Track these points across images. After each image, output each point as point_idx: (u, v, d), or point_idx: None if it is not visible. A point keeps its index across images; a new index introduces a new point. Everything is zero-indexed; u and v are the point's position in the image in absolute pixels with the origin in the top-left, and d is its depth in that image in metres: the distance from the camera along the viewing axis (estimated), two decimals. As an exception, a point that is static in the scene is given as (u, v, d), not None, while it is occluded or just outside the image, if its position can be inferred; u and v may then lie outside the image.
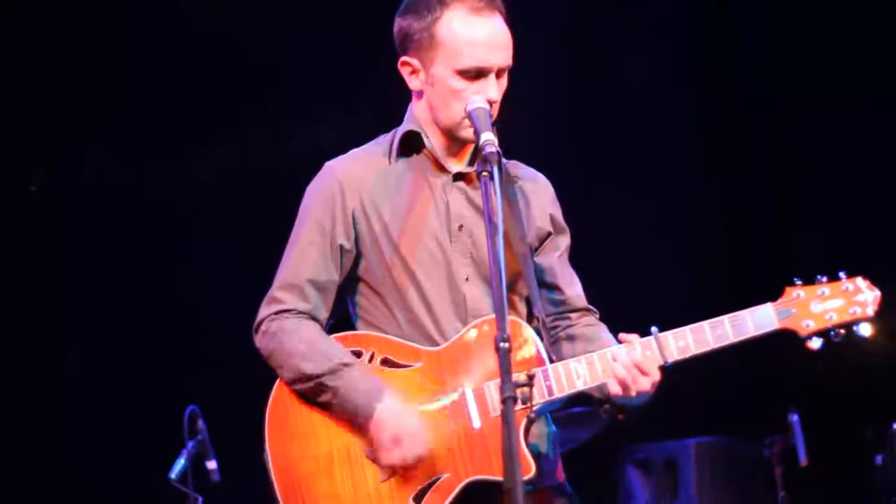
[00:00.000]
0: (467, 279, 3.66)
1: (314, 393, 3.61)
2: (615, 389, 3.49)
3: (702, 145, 7.93)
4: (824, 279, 3.53)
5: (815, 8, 7.45)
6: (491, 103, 3.58)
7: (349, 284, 3.74)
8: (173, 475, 5.96)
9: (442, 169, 3.71)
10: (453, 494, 3.51)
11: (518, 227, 3.67)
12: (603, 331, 3.73)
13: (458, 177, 3.71)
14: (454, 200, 3.69)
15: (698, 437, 7.15)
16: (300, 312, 3.68)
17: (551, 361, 3.54)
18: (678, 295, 7.20)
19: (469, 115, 3.56)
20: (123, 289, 6.94)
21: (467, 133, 3.61)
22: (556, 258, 3.80)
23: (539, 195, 3.82)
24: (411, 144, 3.73)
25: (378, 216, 3.69)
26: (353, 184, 3.71)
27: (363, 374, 3.58)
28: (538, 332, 3.60)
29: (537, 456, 3.57)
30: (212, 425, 6.11)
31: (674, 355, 3.50)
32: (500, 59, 3.60)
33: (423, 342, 3.62)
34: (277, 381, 3.68)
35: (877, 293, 3.52)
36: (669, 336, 3.51)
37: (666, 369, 3.52)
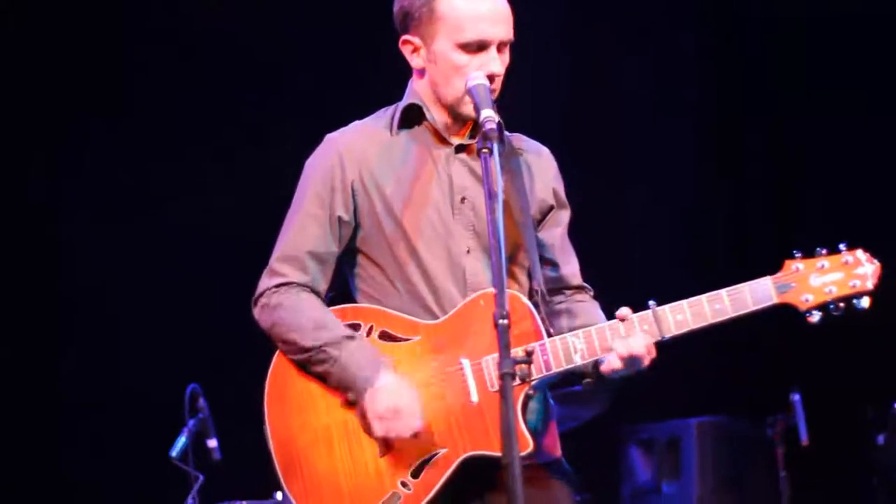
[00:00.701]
0: (468, 251, 3.65)
1: (313, 365, 3.60)
2: (615, 365, 3.47)
3: (701, 133, 7.93)
4: (824, 252, 3.48)
5: (814, 7, 7.45)
6: (493, 77, 3.57)
7: (349, 256, 3.73)
8: (174, 453, 5.98)
9: (443, 141, 3.70)
10: (451, 469, 3.50)
11: (520, 198, 3.66)
12: (595, 307, 3.72)
13: (461, 148, 3.70)
14: (457, 172, 3.68)
15: (700, 417, 7.16)
16: (300, 285, 3.67)
17: (549, 335, 3.52)
18: (677, 273, 7.20)
19: (469, 92, 3.54)
20: (123, 265, 6.94)
21: (468, 109, 3.59)
22: (559, 234, 3.79)
23: (542, 168, 3.80)
24: (412, 117, 3.72)
25: (378, 188, 3.68)
26: (353, 156, 3.70)
27: (362, 347, 3.58)
28: (537, 306, 3.58)
29: (535, 431, 3.55)
30: (213, 404, 6.12)
31: (671, 330, 3.47)
32: (501, 33, 3.59)
33: (422, 314, 3.61)
34: (276, 354, 3.67)
35: (876, 265, 3.46)
36: (667, 310, 3.48)
37: (664, 344, 3.49)
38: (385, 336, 3.62)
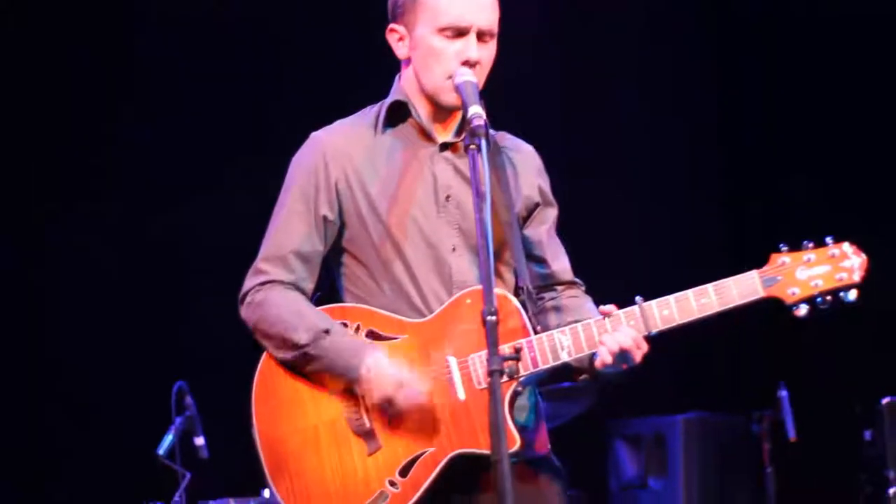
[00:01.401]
0: (454, 249, 3.65)
1: (300, 362, 3.60)
2: (605, 360, 3.47)
3: (698, 132, 7.93)
4: (810, 245, 3.47)
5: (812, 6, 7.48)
6: (472, 64, 3.57)
7: (334, 256, 3.73)
8: (161, 451, 5.96)
9: (429, 139, 3.70)
10: (439, 468, 3.50)
11: (506, 196, 3.66)
12: (587, 302, 3.71)
13: (445, 146, 3.70)
14: (441, 171, 3.68)
15: (687, 413, 7.17)
16: (285, 283, 3.67)
17: (536, 333, 3.52)
18: (671, 270, 7.20)
19: (457, 88, 3.55)
20: (113, 264, 6.92)
21: (450, 98, 3.60)
22: (545, 231, 3.79)
23: (527, 166, 3.80)
24: (398, 114, 3.72)
25: (362, 187, 3.67)
26: (337, 154, 3.69)
27: (348, 336, 3.58)
28: (523, 304, 3.58)
29: (522, 428, 3.55)
30: (200, 401, 6.11)
31: (658, 325, 3.47)
32: (481, 20, 3.59)
33: (408, 313, 3.61)
34: (264, 355, 3.67)
35: (863, 258, 3.45)
36: (654, 305, 3.48)
37: (651, 339, 3.49)
38: (372, 335, 3.61)
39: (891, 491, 6.53)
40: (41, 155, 6.87)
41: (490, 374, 3.10)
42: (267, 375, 3.65)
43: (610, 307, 3.50)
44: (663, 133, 7.79)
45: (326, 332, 3.57)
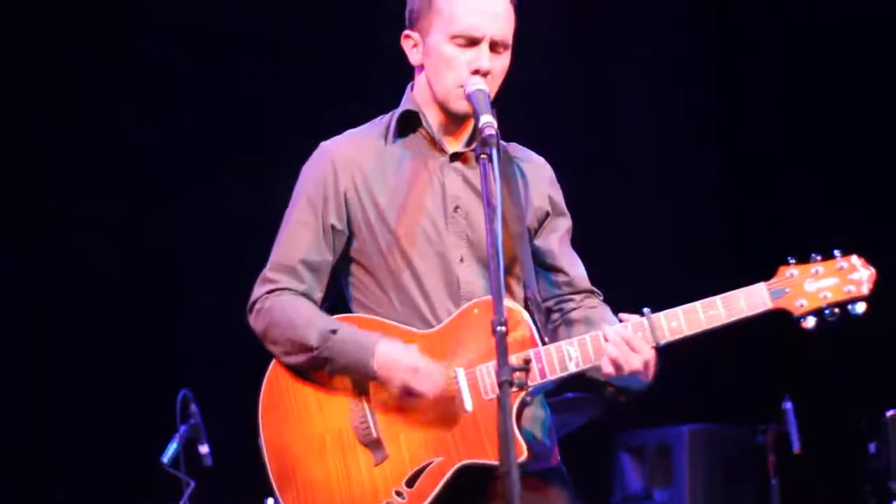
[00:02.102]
0: (461, 260, 3.65)
1: (312, 366, 3.60)
2: (608, 369, 3.46)
3: (698, 124, 7.92)
4: (819, 258, 3.47)
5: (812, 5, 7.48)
6: (484, 74, 3.57)
7: (343, 266, 3.73)
8: (165, 459, 5.96)
9: (439, 149, 3.70)
10: (445, 478, 3.49)
11: (516, 208, 3.66)
12: (606, 312, 3.69)
13: (455, 157, 3.70)
14: (450, 181, 3.68)
15: (692, 424, 7.16)
16: (293, 291, 3.67)
17: (544, 343, 3.52)
18: (671, 266, 7.20)
19: (469, 98, 3.55)
20: (114, 266, 6.92)
21: (460, 106, 3.60)
22: (556, 240, 3.78)
23: (537, 176, 3.80)
24: (408, 124, 3.72)
25: (371, 197, 3.67)
26: (346, 164, 3.70)
27: (356, 329, 3.57)
28: (532, 315, 3.57)
29: (531, 440, 3.55)
30: (204, 409, 6.11)
31: (666, 336, 3.46)
32: (494, 29, 3.59)
33: (416, 323, 3.61)
34: (272, 364, 3.67)
35: (871, 271, 3.45)
36: (661, 317, 3.47)
37: (658, 351, 3.49)
38: None
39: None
40: (41, 154, 6.88)
41: (500, 384, 3.09)
42: (274, 385, 3.66)
43: (630, 316, 3.49)
44: (663, 133, 7.77)
45: (334, 331, 3.56)
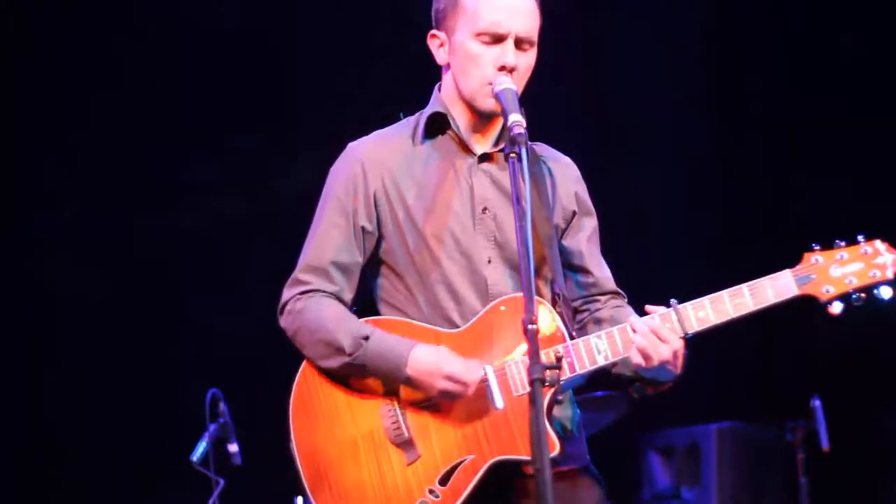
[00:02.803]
0: (489, 261, 3.65)
1: (344, 371, 3.61)
2: (637, 360, 3.47)
3: (698, 125, 7.91)
4: (843, 243, 3.49)
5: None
6: (510, 70, 3.57)
7: (371, 267, 3.74)
8: (195, 458, 5.98)
9: (467, 150, 3.71)
10: (479, 475, 3.50)
11: (544, 208, 3.67)
12: (630, 313, 3.69)
13: (483, 158, 3.70)
14: (479, 183, 3.68)
15: (720, 423, 7.15)
16: (324, 292, 3.68)
17: (572, 338, 3.52)
18: (670, 268, 7.19)
19: (497, 97, 3.55)
20: (145, 269, 6.95)
21: (486, 104, 3.61)
22: (584, 240, 3.79)
23: (564, 175, 3.80)
24: (437, 126, 3.72)
25: (400, 198, 3.68)
26: (375, 165, 3.70)
27: (388, 337, 3.58)
28: (560, 311, 3.58)
29: (562, 436, 3.56)
30: (233, 408, 6.12)
31: (694, 326, 3.48)
32: (518, 25, 3.60)
33: (443, 324, 3.62)
34: (301, 367, 3.68)
35: None
36: (689, 307, 3.49)
37: (687, 341, 3.49)
38: None
39: (923, 500, 6.53)
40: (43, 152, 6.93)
41: (531, 383, 3.11)
42: (304, 387, 3.67)
43: (657, 308, 3.50)
44: (664, 133, 7.76)
45: (366, 338, 3.57)
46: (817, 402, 6.67)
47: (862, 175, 7.27)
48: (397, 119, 3.82)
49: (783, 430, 6.81)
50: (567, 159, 3.86)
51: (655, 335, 3.46)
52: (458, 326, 3.61)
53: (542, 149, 3.83)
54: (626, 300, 3.79)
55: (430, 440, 3.56)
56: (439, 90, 3.76)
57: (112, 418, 6.79)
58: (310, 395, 3.66)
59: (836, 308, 3.47)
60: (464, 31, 3.63)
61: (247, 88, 7.02)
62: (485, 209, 3.67)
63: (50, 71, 6.89)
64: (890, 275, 3.46)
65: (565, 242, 3.76)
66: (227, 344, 6.78)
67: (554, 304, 3.62)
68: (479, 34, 3.60)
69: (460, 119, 3.71)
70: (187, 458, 5.98)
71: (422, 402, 3.58)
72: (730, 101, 7.87)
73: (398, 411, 3.59)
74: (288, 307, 3.70)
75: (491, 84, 3.58)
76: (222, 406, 6.09)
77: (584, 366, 3.50)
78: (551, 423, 3.48)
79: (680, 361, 3.51)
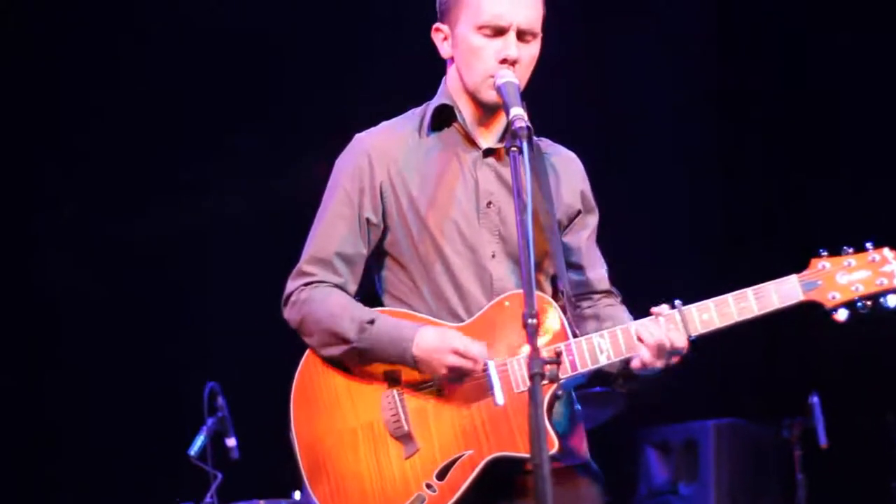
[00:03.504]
0: (493, 256, 3.65)
1: (348, 356, 3.60)
2: (645, 360, 3.45)
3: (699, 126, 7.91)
4: (850, 250, 3.48)
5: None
6: (512, 63, 3.57)
7: (376, 259, 3.74)
8: (193, 452, 5.98)
9: (473, 144, 3.70)
10: (476, 471, 3.50)
11: (547, 203, 3.66)
12: (622, 311, 3.71)
13: (488, 152, 3.70)
14: (483, 177, 3.68)
15: (718, 419, 7.15)
16: (329, 283, 3.67)
17: (575, 336, 3.52)
18: (670, 269, 7.19)
19: (498, 90, 3.55)
20: (144, 262, 6.95)
21: (490, 95, 3.60)
22: (585, 238, 3.79)
23: (569, 171, 3.80)
24: (443, 118, 3.72)
25: (406, 190, 3.68)
26: (381, 156, 3.70)
27: (391, 322, 3.58)
28: (563, 308, 3.58)
29: (562, 433, 3.56)
30: (232, 402, 6.13)
31: (698, 329, 3.47)
32: (520, 17, 3.59)
33: (447, 317, 3.62)
34: (304, 358, 3.68)
35: None
36: (693, 309, 3.48)
37: (690, 343, 3.48)
38: None
39: (921, 497, 6.52)
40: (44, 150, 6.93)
41: (531, 377, 3.10)
42: (306, 379, 3.66)
43: (663, 308, 3.49)
44: (665, 133, 7.76)
45: (371, 322, 3.57)
46: (815, 399, 6.67)
47: (862, 175, 7.27)
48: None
49: (781, 427, 6.82)
50: (572, 155, 3.85)
51: (663, 346, 3.45)
52: (461, 320, 3.61)
53: (547, 144, 3.83)
54: (619, 299, 3.79)
55: (430, 434, 3.55)
56: (445, 82, 3.76)
57: (110, 412, 6.80)
58: (311, 385, 3.66)
59: (842, 315, 3.45)
60: (466, 24, 3.62)
61: (247, 88, 7.03)
62: (489, 203, 3.67)
63: (50, 71, 6.89)
64: None
65: (566, 239, 3.76)
66: (226, 338, 6.78)
67: (556, 300, 3.61)
68: (480, 27, 3.60)
69: (466, 112, 3.71)
70: (185, 451, 5.98)
71: (424, 393, 3.57)
72: (730, 101, 7.86)
73: (398, 404, 3.59)
74: (292, 298, 3.70)
75: (493, 77, 3.58)
76: (220, 400, 6.09)
77: (585, 364, 3.50)
78: (551, 421, 3.47)
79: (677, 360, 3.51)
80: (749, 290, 3.47)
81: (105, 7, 6.93)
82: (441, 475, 3.52)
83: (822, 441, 6.59)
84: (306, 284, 3.68)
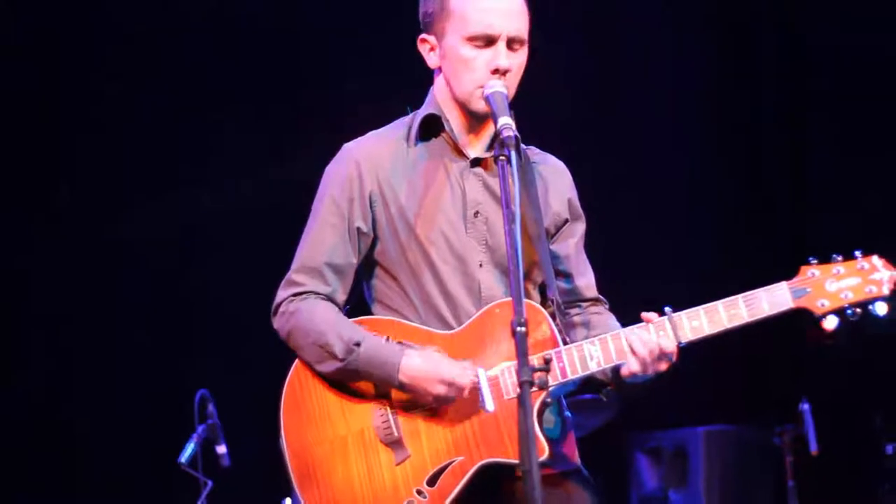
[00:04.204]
0: (481, 265, 3.66)
1: (338, 376, 3.61)
2: (633, 369, 3.47)
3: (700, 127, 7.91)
4: (840, 258, 3.50)
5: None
6: (503, 72, 3.57)
7: (366, 268, 3.74)
8: (183, 459, 5.98)
9: (460, 154, 3.71)
10: (466, 477, 3.51)
11: (534, 211, 3.67)
12: (610, 318, 3.72)
13: (476, 162, 3.70)
14: (471, 187, 3.69)
15: (708, 426, 7.15)
16: (318, 294, 3.68)
17: (565, 343, 3.53)
18: (670, 269, 7.19)
19: (487, 100, 3.55)
20: (132, 269, 6.94)
21: (480, 105, 3.60)
22: (572, 246, 3.80)
23: (556, 180, 3.81)
24: (431, 128, 3.73)
25: (395, 199, 3.68)
26: (370, 165, 3.71)
27: (379, 346, 3.58)
28: (552, 316, 3.58)
29: (553, 440, 3.57)
30: (222, 410, 6.12)
31: (687, 336, 3.49)
32: (509, 27, 3.60)
33: (437, 325, 3.63)
34: (294, 364, 3.68)
35: (893, 272, 3.48)
36: (683, 316, 3.49)
37: (679, 350, 3.50)
38: None
39: (912, 503, 6.53)
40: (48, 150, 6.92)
41: (520, 384, 3.11)
42: (296, 386, 3.67)
43: (652, 315, 3.50)
44: (666, 135, 7.76)
45: (358, 344, 3.57)
46: (806, 406, 6.67)
47: (862, 175, 7.27)
48: (405, 112, 3.82)
49: (771, 434, 6.82)
50: (560, 164, 3.86)
51: (653, 353, 3.46)
52: (451, 327, 3.62)
53: (535, 153, 3.83)
54: (607, 306, 3.80)
55: (420, 441, 3.56)
56: (433, 91, 3.76)
57: (101, 419, 6.78)
58: (301, 392, 3.66)
59: (831, 322, 3.48)
60: (454, 36, 3.62)
61: (247, 86, 7.03)
62: (476, 213, 3.68)
63: (50, 69, 6.89)
64: (886, 291, 3.47)
65: (553, 247, 3.77)
66: (216, 346, 6.77)
67: (545, 307, 3.62)
68: (470, 38, 3.60)
69: (454, 121, 3.71)
70: (175, 459, 5.97)
71: (413, 404, 3.58)
72: (731, 101, 7.87)
73: (389, 411, 3.60)
74: (281, 308, 3.70)
75: (483, 87, 3.59)
76: (211, 407, 6.09)
77: (575, 371, 3.51)
78: (541, 427, 3.48)
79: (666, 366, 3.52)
80: (739, 297, 3.49)
81: (104, 6, 6.93)
82: (432, 481, 3.53)
83: (813, 448, 6.59)
84: (295, 295, 3.68)
